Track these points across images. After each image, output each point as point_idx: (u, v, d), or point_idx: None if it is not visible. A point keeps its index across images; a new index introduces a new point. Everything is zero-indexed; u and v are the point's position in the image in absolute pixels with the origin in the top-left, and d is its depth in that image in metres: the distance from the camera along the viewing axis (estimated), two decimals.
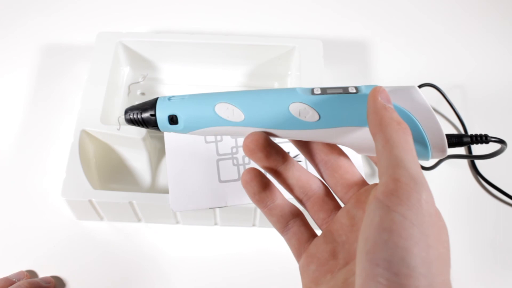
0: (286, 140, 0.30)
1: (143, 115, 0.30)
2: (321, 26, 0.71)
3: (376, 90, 0.24)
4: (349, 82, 0.65)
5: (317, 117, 0.27)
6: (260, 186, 0.29)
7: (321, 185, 0.30)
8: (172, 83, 0.62)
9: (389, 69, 0.66)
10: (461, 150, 0.59)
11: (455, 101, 0.61)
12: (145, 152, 0.54)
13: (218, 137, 0.49)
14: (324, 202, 0.30)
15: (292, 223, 0.30)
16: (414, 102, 0.25)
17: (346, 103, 0.26)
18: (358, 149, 0.28)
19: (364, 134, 0.27)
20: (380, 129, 0.23)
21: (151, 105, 0.30)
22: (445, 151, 0.26)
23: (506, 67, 0.67)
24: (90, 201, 0.48)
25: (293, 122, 0.28)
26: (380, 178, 0.22)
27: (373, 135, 0.24)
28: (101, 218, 0.53)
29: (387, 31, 0.70)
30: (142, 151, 0.54)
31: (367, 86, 0.27)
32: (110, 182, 0.54)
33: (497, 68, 0.67)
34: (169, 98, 0.30)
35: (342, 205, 0.30)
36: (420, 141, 0.25)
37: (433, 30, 0.71)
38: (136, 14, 0.71)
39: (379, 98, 0.24)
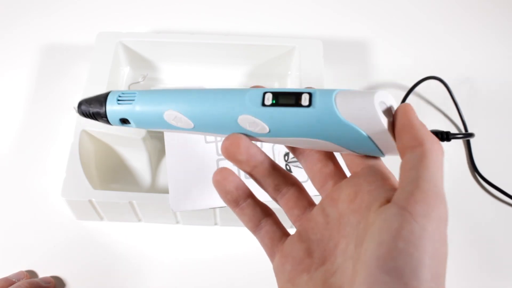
0: None
1: (95, 115, 0.31)
2: (321, 26, 0.71)
3: (409, 108, 0.24)
4: (349, 82, 0.65)
5: (267, 130, 0.27)
6: (232, 186, 0.29)
7: (296, 182, 0.30)
8: (172, 83, 0.62)
9: (389, 69, 0.66)
10: (461, 147, 0.59)
11: (457, 99, 0.61)
12: (145, 152, 0.54)
13: (218, 137, 0.49)
14: (298, 199, 0.30)
15: (264, 222, 0.30)
16: (367, 117, 0.24)
17: (297, 119, 0.26)
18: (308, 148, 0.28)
19: (315, 142, 0.26)
20: (420, 144, 0.23)
21: (102, 104, 0.30)
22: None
23: (508, 65, 0.67)
24: (90, 201, 0.48)
25: (243, 132, 0.28)
26: (404, 185, 0.22)
27: (409, 148, 0.23)
28: (101, 218, 0.53)
29: (387, 31, 0.70)
30: (142, 151, 0.54)
31: (322, 94, 0.25)
32: (110, 182, 0.54)
33: (498, 66, 0.67)
34: (119, 98, 0.30)
35: (316, 201, 0.30)
36: (373, 150, 0.26)
37: (433, 29, 0.71)
38: (136, 14, 0.71)
39: (416, 114, 0.24)
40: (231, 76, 0.62)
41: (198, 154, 0.48)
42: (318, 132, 0.26)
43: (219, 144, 0.49)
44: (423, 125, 0.24)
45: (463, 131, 0.60)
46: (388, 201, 0.23)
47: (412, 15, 0.72)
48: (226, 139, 0.28)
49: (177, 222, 0.53)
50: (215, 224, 0.53)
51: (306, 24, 0.71)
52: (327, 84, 0.58)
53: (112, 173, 0.55)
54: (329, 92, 0.25)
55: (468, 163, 0.58)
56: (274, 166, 0.29)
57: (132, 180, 0.55)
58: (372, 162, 0.27)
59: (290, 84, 0.61)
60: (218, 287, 0.50)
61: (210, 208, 0.46)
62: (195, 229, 0.53)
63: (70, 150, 0.49)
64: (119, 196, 0.48)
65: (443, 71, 0.63)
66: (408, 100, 0.62)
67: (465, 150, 0.59)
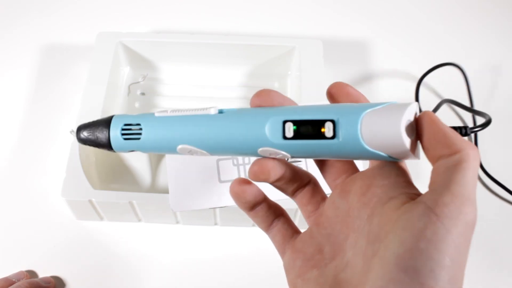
0: None
1: (98, 146, 0.30)
2: (321, 26, 0.71)
3: (433, 116, 0.24)
4: (349, 82, 0.64)
5: (288, 157, 0.27)
6: (251, 197, 0.29)
7: (311, 178, 0.31)
8: (172, 83, 0.62)
9: (389, 69, 0.66)
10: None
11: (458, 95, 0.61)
12: None
13: None
14: (312, 196, 0.30)
15: (277, 221, 0.31)
16: (393, 144, 0.24)
17: (321, 148, 0.25)
18: None
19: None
20: (457, 151, 0.23)
21: (104, 136, 0.29)
22: (419, 158, 0.25)
23: (509, 64, 0.67)
24: (90, 201, 0.48)
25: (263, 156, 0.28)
26: (435, 187, 0.22)
27: (444, 156, 0.23)
28: (101, 218, 0.53)
29: (387, 31, 0.70)
30: None
31: (346, 122, 0.24)
32: (110, 182, 0.54)
33: (498, 65, 0.67)
34: (123, 133, 0.29)
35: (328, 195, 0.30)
36: (389, 160, 0.25)
37: (433, 30, 0.71)
38: (136, 14, 0.71)
39: (441, 121, 0.24)
40: (231, 76, 0.62)
41: None
42: (341, 156, 0.26)
43: None
44: (454, 131, 0.23)
45: (471, 123, 0.61)
46: (411, 199, 0.23)
47: (412, 15, 0.72)
48: (254, 164, 0.28)
49: (177, 222, 0.53)
50: (215, 224, 0.53)
51: (306, 24, 0.71)
52: (327, 84, 0.58)
53: (112, 173, 0.55)
54: (354, 118, 0.24)
55: None
56: (293, 171, 0.30)
57: (132, 180, 0.55)
58: None
59: (290, 84, 0.61)
60: (218, 287, 0.50)
61: (210, 208, 0.46)
62: (195, 229, 0.53)
63: (70, 150, 0.49)
64: (119, 196, 0.48)
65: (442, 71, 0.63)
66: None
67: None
